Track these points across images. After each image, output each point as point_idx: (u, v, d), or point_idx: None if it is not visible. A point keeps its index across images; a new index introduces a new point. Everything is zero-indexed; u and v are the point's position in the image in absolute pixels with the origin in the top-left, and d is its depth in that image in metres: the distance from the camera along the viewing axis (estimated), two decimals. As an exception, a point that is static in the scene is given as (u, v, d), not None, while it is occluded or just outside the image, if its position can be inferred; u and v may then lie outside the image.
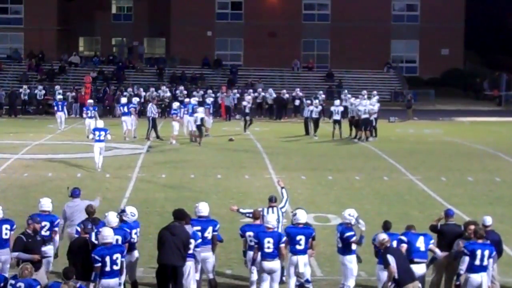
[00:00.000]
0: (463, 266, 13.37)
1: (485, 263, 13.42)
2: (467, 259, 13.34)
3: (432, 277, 14.60)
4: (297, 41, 68.97)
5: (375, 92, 44.42)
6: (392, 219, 19.47)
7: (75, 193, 16.36)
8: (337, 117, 38.01)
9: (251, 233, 14.45)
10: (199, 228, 14.34)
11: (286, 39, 67.65)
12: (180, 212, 14.28)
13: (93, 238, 13.97)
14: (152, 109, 37.20)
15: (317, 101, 40.75)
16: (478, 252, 13.36)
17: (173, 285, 13.83)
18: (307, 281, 14.59)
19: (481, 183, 26.49)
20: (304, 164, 30.18)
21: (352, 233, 14.20)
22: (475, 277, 13.37)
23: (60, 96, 43.49)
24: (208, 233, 14.44)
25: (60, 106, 40.82)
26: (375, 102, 39.86)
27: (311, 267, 15.46)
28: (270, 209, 15.48)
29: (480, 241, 13.52)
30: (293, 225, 14.64)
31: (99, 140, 28.28)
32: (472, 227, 14.07)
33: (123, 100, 39.15)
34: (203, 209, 14.66)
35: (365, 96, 41.87)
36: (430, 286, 14.59)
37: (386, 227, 14.30)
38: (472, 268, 13.36)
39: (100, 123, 30.23)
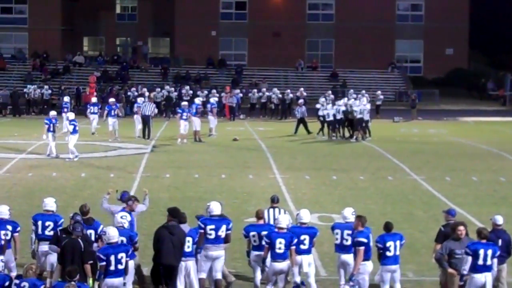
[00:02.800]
0: (466, 267, 13.32)
1: (488, 262, 13.35)
2: (470, 259, 13.28)
3: (440, 276, 14.51)
4: (301, 41, 68.96)
5: (363, 92, 44.54)
6: (396, 219, 19.54)
7: (123, 197, 15.84)
8: (338, 116, 37.88)
9: (255, 233, 14.46)
10: (213, 226, 14.33)
11: (290, 39, 67.62)
12: (176, 211, 14.30)
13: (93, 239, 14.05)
14: (147, 108, 37.25)
15: (341, 101, 40.07)
16: (481, 252, 13.28)
17: (168, 283, 13.89)
18: (302, 283, 14.53)
19: (485, 183, 26.44)
20: (309, 164, 30.16)
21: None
22: (479, 277, 13.31)
23: (68, 97, 43.46)
24: (222, 232, 14.38)
25: (69, 107, 40.72)
26: (366, 101, 39.63)
27: (316, 267, 15.45)
28: (271, 210, 15.45)
29: (483, 241, 13.49)
30: (297, 225, 14.66)
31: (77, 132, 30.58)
32: (462, 227, 14.00)
33: (111, 100, 38.95)
34: (215, 208, 14.59)
35: (366, 95, 42.01)
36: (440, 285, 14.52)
37: (387, 228, 14.21)
38: (475, 268, 13.30)
39: (72, 115, 31.94)
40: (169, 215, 14.26)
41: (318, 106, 39.43)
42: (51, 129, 30.67)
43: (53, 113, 32.00)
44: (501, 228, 14.43)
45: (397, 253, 13.96)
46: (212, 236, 14.33)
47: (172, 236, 13.80)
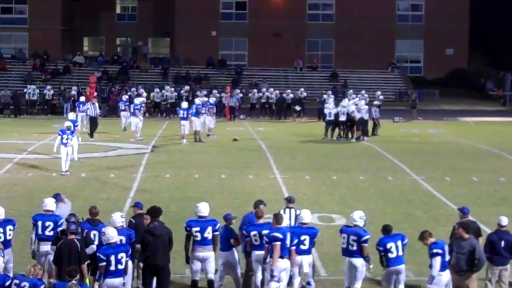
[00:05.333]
0: (437, 267, 13.25)
1: (447, 257, 13.46)
2: (439, 259, 13.26)
3: None
4: (302, 41, 68.96)
5: (363, 92, 45.11)
6: (396, 219, 19.57)
7: (57, 198, 15.71)
8: (342, 118, 37.87)
9: (255, 233, 14.45)
10: (198, 228, 14.32)
11: (290, 39, 67.64)
12: (155, 210, 14.28)
13: (96, 240, 14.06)
14: (92, 108, 37.28)
15: (363, 101, 39.97)
16: (446, 249, 13.41)
17: (158, 282, 13.94)
18: (308, 283, 14.54)
19: (485, 183, 26.44)
20: (309, 164, 30.16)
21: (369, 235, 14.16)
22: (445, 274, 13.33)
23: (83, 98, 43.45)
24: (208, 233, 14.35)
25: (81, 107, 40.67)
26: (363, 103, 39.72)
27: (315, 267, 15.45)
28: (287, 210, 15.42)
29: (433, 239, 13.50)
30: (297, 225, 14.65)
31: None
32: (456, 226, 14.09)
33: (137, 100, 38.99)
34: (203, 209, 14.55)
35: (365, 96, 42.21)
36: None
37: (386, 230, 14.17)
38: (444, 266, 13.35)
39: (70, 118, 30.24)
40: (150, 216, 14.25)
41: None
42: (64, 141, 27.24)
43: (68, 123, 27.97)
44: (505, 229, 14.45)
45: (400, 253, 13.86)
46: (198, 238, 14.32)
47: (154, 237, 13.83)
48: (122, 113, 40.14)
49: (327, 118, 37.98)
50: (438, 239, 13.65)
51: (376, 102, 41.77)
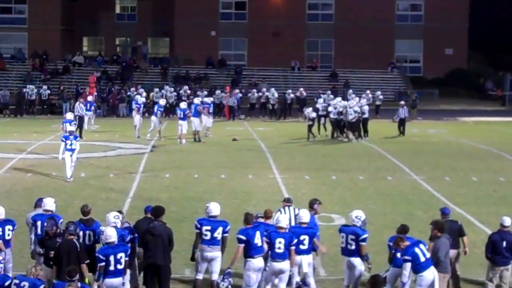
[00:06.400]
0: (407, 274, 13.11)
1: (428, 256, 13.31)
2: (409, 265, 13.11)
3: None
4: (301, 41, 68.96)
5: (368, 92, 45.28)
6: (396, 219, 19.58)
7: (39, 202, 15.57)
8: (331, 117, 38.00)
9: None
10: (209, 227, 14.26)
11: (290, 39, 67.63)
12: (157, 210, 14.27)
13: (91, 239, 14.06)
14: (79, 108, 37.28)
15: (364, 100, 40.04)
16: (418, 251, 13.17)
17: (159, 283, 13.95)
18: (304, 283, 14.53)
19: (485, 183, 26.44)
20: (308, 164, 30.16)
21: (367, 234, 14.13)
22: (427, 274, 13.20)
23: (90, 98, 43.37)
24: (218, 234, 14.29)
25: (88, 106, 40.61)
26: (365, 102, 39.84)
27: (315, 266, 15.44)
28: (286, 208, 15.42)
29: (406, 243, 13.41)
30: (296, 225, 14.65)
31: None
32: (430, 226, 14.08)
33: (162, 102, 38.90)
34: (214, 209, 14.48)
35: (369, 96, 42.10)
36: None
37: (404, 230, 14.17)
38: (421, 266, 13.17)
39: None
40: (152, 215, 14.25)
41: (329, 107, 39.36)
42: (69, 147, 26.07)
43: (70, 128, 27.37)
44: (507, 230, 14.44)
45: None
46: (208, 237, 14.28)
47: (153, 237, 13.83)
48: (134, 113, 39.88)
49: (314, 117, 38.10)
50: (411, 242, 13.48)
51: (401, 102, 42.11)
